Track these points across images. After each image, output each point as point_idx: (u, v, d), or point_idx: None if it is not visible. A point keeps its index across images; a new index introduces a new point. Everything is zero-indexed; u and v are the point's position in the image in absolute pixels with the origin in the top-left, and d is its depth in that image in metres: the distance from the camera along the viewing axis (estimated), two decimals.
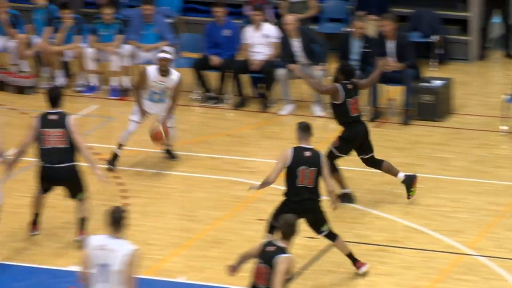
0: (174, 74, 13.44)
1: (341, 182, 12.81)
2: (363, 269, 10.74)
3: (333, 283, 10.76)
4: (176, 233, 12.50)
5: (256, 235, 11.74)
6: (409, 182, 12.70)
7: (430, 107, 15.55)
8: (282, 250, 8.69)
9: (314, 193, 10.71)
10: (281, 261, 8.64)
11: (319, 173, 10.70)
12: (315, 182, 10.64)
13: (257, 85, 16.15)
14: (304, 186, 10.66)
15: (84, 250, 8.54)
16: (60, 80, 16.34)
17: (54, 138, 11.32)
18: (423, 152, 14.26)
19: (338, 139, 12.97)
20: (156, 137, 13.46)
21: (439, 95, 15.53)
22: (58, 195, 11.90)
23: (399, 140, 14.82)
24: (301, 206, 10.66)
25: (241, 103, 16.07)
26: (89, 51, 15.83)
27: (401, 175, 12.82)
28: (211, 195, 13.69)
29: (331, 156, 12.64)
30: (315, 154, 10.72)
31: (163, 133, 13.34)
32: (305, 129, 10.93)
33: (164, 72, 13.33)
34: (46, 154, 11.19)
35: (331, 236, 10.82)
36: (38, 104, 16.77)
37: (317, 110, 15.66)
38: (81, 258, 8.54)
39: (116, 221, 8.52)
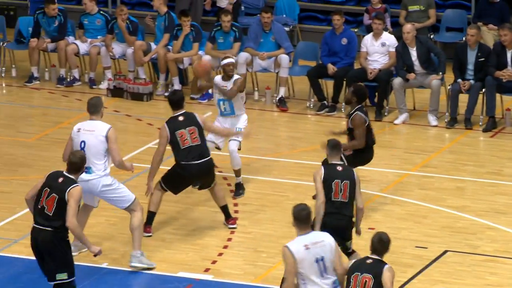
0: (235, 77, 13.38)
1: None
2: None
3: None
4: (286, 240, 12.10)
5: (364, 243, 11.22)
6: None
7: None
8: (381, 262, 8.69)
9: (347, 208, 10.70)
10: (387, 270, 8.65)
11: (352, 187, 10.63)
12: (349, 197, 10.60)
13: (373, 94, 15.84)
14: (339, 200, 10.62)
15: (289, 257, 8.68)
16: (176, 87, 16.41)
17: (189, 137, 11.74)
18: None
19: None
20: (200, 67, 13.29)
21: None
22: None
23: None
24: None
25: None
26: (206, 59, 15.79)
27: None
28: None
29: None
30: (347, 168, 10.68)
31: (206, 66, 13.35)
32: (334, 147, 10.78)
33: (228, 77, 13.12)
34: (187, 153, 11.61)
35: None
36: (153, 110, 16.98)
37: (432, 120, 15.27)
38: (288, 266, 8.72)
39: (306, 217, 8.76)
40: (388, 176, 14.42)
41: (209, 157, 11.97)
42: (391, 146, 15.18)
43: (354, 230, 10.83)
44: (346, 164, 11.82)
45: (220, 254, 11.96)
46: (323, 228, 10.27)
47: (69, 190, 9.51)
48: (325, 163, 11.05)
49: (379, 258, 8.80)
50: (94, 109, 11.01)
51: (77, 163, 9.59)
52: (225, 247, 12.08)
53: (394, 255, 11.03)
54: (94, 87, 17.48)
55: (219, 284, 11.49)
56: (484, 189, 13.59)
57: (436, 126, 15.73)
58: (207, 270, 11.74)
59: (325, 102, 15.92)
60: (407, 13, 17.50)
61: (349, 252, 10.80)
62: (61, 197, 9.54)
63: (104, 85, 17.03)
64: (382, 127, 15.81)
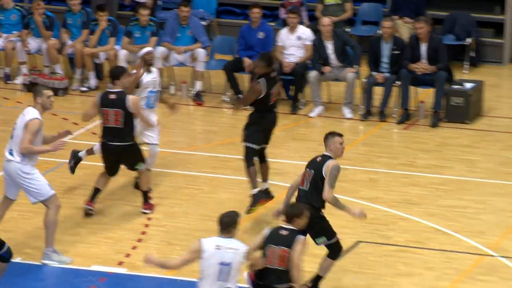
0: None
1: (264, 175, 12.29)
2: None
3: (354, 284, 10.37)
4: (200, 234, 11.78)
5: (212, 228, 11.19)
6: (257, 199, 12.05)
7: (460, 110, 15.19)
8: (296, 232, 8.79)
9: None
10: (299, 242, 8.75)
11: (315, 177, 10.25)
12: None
13: (288, 87, 15.66)
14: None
15: (196, 249, 8.70)
16: (92, 82, 16.02)
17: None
18: (451, 154, 13.94)
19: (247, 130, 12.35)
20: None
21: (470, 98, 15.13)
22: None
23: (427, 142, 14.50)
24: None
25: None
26: (122, 53, 15.45)
27: (255, 190, 12.14)
28: (236, 196, 13.32)
29: (248, 152, 12.05)
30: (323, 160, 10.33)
31: None
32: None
33: (149, 66, 12.72)
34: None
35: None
36: (68, 105, 16.58)
37: (347, 113, 15.18)
38: (188, 252, 8.73)
39: (226, 223, 8.73)
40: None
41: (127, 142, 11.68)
42: (306, 139, 15.11)
43: None
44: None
45: (134, 248, 11.70)
46: None
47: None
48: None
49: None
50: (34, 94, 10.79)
51: None
52: (139, 240, 11.84)
53: (307, 245, 10.63)
54: (9, 82, 16.98)
55: (132, 277, 11.26)
56: (397, 180, 13.60)
57: (351, 118, 15.69)
58: (120, 263, 11.50)
59: (240, 95, 15.67)
60: (323, 6, 17.42)
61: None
62: None
63: (19, 80, 16.55)
64: (297, 120, 15.74)
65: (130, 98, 11.33)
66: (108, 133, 11.89)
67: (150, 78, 12.25)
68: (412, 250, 11.04)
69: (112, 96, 11.36)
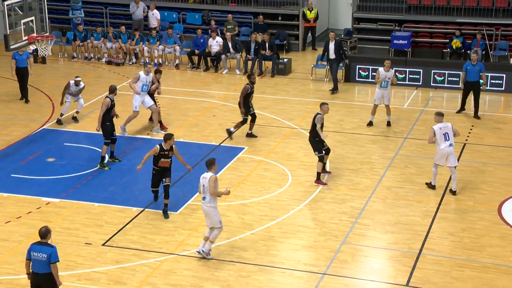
0: None
1: None
2: None
3: None
4: (180, 121, 19.92)
5: (212, 122, 20.14)
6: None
7: (283, 70, 24.23)
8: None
9: None
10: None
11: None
12: None
13: (213, 61, 25.23)
14: None
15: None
16: (133, 60, 26.49)
17: None
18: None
19: None
20: None
21: (286, 64, 24.35)
22: None
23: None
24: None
25: (207, 69, 25.45)
26: (145, 48, 26.59)
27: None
28: (194, 106, 21.49)
29: None
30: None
31: None
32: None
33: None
34: None
35: None
36: (123, 70, 25.45)
37: (237, 71, 25.20)
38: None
39: (209, 163, 13.13)
40: (220, 95, 22.91)
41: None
42: (221, 82, 24.06)
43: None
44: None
45: (151, 130, 19.04)
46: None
47: None
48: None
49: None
50: None
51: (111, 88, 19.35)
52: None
53: (224, 126, 20.07)
54: (99, 60, 26.33)
55: (153, 140, 18.04)
56: (257, 98, 22.06)
57: (239, 74, 24.69)
58: (147, 134, 19.12)
59: (194, 65, 25.87)
60: (226, 29, 26.95)
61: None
62: None
63: (103, 59, 26.28)
64: (218, 75, 24.96)
65: None
66: None
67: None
68: None
69: None
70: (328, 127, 19.48)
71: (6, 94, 23.20)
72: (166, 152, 14.94)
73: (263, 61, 25.13)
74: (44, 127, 20.33)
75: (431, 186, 16.48)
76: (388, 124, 20.15)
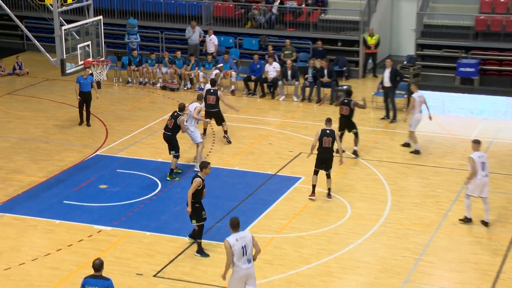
0: None
1: None
2: None
3: None
4: (235, 149, 20.25)
5: (268, 150, 20.17)
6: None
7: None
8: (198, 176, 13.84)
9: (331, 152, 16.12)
10: (194, 180, 13.93)
11: (333, 140, 16.37)
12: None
13: (270, 87, 25.42)
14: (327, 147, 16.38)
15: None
16: (188, 85, 26.86)
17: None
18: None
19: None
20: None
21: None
22: None
23: (336, 111, 22.78)
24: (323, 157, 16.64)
25: (263, 95, 25.71)
26: (201, 74, 26.80)
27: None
28: (249, 133, 21.75)
29: None
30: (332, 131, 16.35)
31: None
32: (329, 121, 16.91)
33: (214, 84, 20.75)
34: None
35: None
36: (179, 96, 25.73)
37: (295, 98, 25.03)
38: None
39: (236, 224, 11.73)
40: (277, 122, 22.97)
41: (217, 109, 19.92)
42: (278, 109, 24.22)
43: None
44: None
45: (207, 155, 19.52)
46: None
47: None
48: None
49: None
50: None
51: (180, 107, 18.87)
52: (210, 152, 19.80)
53: (280, 154, 19.43)
54: (154, 85, 26.78)
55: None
56: (315, 127, 22.21)
57: (296, 101, 24.65)
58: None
59: (250, 91, 26.26)
60: (284, 54, 26.93)
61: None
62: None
63: (158, 85, 26.62)
64: (274, 102, 24.96)
65: None
66: None
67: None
68: None
69: None
70: (390, 157, 19.59)
71: (61, 119, 23.76)
72: (204, 182, 14.58)
73: (321, 88, 25.30)
74: (97, 153, 20.62)
75: (466, 220, 16.12)
76: (415, 151, 20.25)
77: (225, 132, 21.00)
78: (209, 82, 21.33)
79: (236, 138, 21.76)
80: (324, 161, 17.13)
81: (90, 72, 22.36)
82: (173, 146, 18.37)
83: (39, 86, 27.13)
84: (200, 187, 14.47)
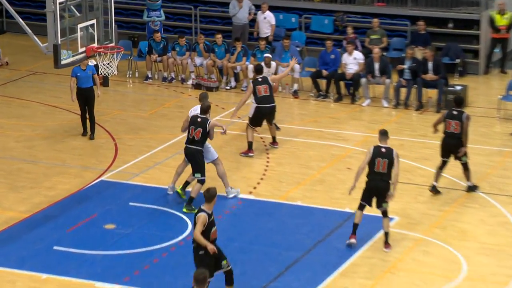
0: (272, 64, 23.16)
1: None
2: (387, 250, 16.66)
3: None
4: (298, 175, 20.10)
5: (345, 178, 19.92)
6: None
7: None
8: (201, 210, 14.27)
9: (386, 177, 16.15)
10: (198, 216, 14.31)
11: (391, 163, 16.19)
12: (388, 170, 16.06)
13: (349, 87, 26.14)
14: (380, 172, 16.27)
15: None
16: (232, 83, 27.28)
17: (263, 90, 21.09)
18: None
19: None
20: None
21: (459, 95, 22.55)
22: None
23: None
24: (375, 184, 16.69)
25: (339, 98, 26.18)
26: (250, 67, 26.38)
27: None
28: (319, 153, 21.59)
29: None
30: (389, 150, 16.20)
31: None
32: (383, 134, 16.87)
33: (267, 65, 22.67)
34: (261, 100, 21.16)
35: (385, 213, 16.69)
36: (219, 97, 26.33)
37: (384, 103, 25.73)
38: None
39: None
40: (358, 136, 23.04)
41: (274, 104, 20.88)
42: (360, 119, 24.56)
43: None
44: None
45: (258, 183, 19.67)
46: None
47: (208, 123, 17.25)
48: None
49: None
50: (201, 99, 18.66)
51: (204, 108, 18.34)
52: (261, 178, 20.08)
53: (362, 184, 17.53)
54: (184, 83, 27.37)
55: (258, 201, 18.86)
56: (416, 145, 21.55)
57: (387, 107, 24.89)
58: (250, 192, 19.46)
59: (321, 92, 26.34)
60: (370, 40, 27.79)
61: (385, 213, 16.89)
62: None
63: (189, 82, 27.28)
64: (355, 108, 25.10)
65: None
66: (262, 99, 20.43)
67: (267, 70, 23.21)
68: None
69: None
70: None
71: (52, 130, 24.06)
72: (212, 217, 14.84)
73: (423, 89, 25.44)
74: (103, 178, 20.72)
75: None
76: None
77: (274, 139, 21.91)
78: (253, 71, 22.14)
79: (299, 159, 22.02)
80: (376, 192, 17.13)
81: (93, 62, 22.68)
82: (200, 167, 18.81)
83: (22, 83, 27.89)
84: (206, 224, 14.64)
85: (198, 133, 18.83)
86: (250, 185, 20.36)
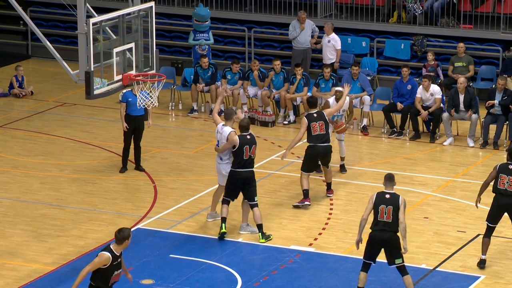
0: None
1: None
2: None
3: None
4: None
5: (422, 228, 20.26)
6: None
7: None
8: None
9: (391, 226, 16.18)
10: None
11: (396, 211, 16.26)
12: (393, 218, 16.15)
13: (428, 123, 25.88)
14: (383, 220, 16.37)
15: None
16: (291, 117, 27.30)
17: (318, 128, 20.83)
18: None
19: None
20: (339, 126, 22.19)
21: None
22: None
23: None
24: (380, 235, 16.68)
25: (416, 136, 25.99)
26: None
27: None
28: None
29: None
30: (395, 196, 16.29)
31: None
32: (389, 178, 16.90)
33: (337, 99, 22.36)
34: (315, 139, 21.00)
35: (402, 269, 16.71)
36: (275, 134, 26.49)
37: (470, 142, 25.24)
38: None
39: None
40: (438, 181, 22.76)
41: (329, 143, 20.74)
42: (441, 160, 24.26)
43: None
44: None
45: (320, 234, 19.40)
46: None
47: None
48: None
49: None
50: (227, 116, 19.08)
51: (245, 125, 19.55)
52: (323, 228, 19.93)
53: (441, 236, 19.06)
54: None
55: (319, 254, 18.60)
56: None
57: (473, 147, 24.63)
58: (310, 244, 19.25)
59: (394, 129, 25.87)
60: (453, 68, 27.52)
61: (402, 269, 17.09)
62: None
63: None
64: (434, 147, 24.97)
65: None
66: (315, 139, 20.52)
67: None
68: None
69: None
70: None
71: (83, 169, 24.31)
72: (119, 260, 15.25)
73: None
74: (139, 226, 21.00)
75: None
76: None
77: (329, 185, 22.04)
78: (306, 103, 22.56)
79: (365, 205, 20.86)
80: (381, 245, 17.10)
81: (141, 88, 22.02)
82: (256, 189, 19.69)
83: (49, 115, 28.26)
84: (106, 266, 15.10)
85: (253, 150, 19.85)
86: (310, 236, 20.55)
